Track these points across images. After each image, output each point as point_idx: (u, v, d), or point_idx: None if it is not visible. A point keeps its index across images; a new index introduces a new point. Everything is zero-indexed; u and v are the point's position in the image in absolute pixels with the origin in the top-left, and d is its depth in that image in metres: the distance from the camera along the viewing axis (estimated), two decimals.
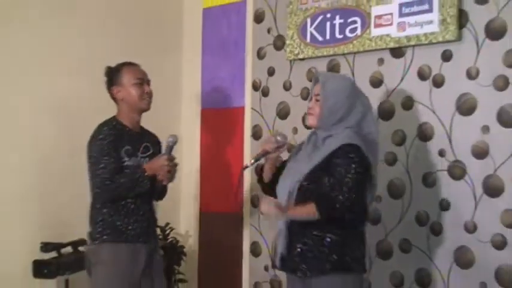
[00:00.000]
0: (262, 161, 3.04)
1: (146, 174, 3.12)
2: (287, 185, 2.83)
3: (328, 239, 2.75)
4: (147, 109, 3.35)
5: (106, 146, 3.17)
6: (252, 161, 3.01)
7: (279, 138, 2.99)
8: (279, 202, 2.77)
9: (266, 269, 4.16)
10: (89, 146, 3.23)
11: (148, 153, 3.27)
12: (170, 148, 3.19)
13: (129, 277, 3.12)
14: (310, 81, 3.74)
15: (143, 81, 3.35)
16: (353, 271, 2.78)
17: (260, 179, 3.11)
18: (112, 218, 3.17)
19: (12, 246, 3.71)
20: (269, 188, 3.04)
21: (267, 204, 2.74)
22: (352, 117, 2.83)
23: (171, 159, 3.17)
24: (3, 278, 3.67)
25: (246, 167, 3.08)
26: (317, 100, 2.85)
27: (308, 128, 3.89)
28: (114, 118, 3.32)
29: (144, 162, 3.21)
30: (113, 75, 3.37)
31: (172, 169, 3.17)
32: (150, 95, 3.34)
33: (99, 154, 3.16)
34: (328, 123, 2.82)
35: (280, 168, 3.02)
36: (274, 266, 3.03)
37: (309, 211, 2.68)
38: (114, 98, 3.35)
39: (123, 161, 3.19)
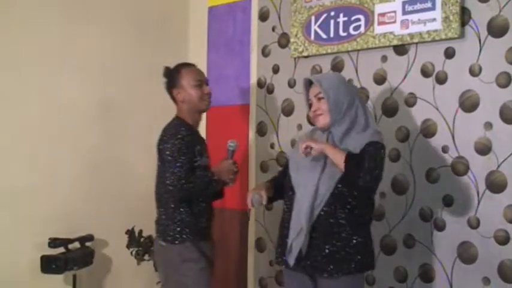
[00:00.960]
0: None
1: (215, 177, 3.30)
2: (314, 182, 2.84)
3: (355, 241, 2.83)
4: (206, 110, 3.49)
5: (184, 146, 3.25)
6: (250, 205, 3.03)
7: (254, 204, 3.02)
8: (314, 139, 2.91)
9: (271, 264, 4.19)
10: (166, 144, 3.28)
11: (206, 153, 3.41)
12: (232, 153, 3.40)
13: (210, 272, 3.36)
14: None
15: (202, 82, 3.46)
16: (369, 269, 2.93)
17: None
18: (190, 218, 3.29)
19: (21, 241, 3.76)
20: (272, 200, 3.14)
21: (309, 142, 2.85)
22: (358, 106, 2.93)
23: (235, 163, 3.38)
24: (12, 273, 3.72)
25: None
26: (319, 99, 2.93)
27: (313, 125, 3.94)
28: (179, 118, 3.42)
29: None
30: (172, 77, 3.47)
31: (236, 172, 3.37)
32: (209, 95, 3.46)
33: (176, 153, 3.22)
34: (339, 115, 2.89)
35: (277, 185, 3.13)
36: (283, 264, 2.97)
37: (340, 159, 2.78)
38: (174, 99, 3.46)
39: (196, 161, 3.29)
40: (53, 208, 3.93)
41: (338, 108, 2.89)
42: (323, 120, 2.93)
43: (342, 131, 2.89)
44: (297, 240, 2.85)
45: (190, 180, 3.21)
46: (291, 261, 2.88)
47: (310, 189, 2.82)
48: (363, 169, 2.73)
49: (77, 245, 3.92)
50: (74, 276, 3.87)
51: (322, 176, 2.85)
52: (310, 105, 3.02)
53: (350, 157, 2.77)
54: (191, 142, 3.29)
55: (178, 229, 3.26)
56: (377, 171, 2.78)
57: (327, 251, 2.81)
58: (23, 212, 3.79)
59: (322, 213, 2.82)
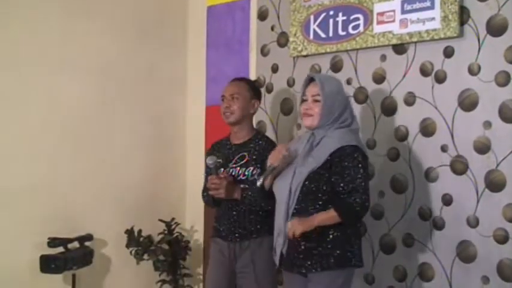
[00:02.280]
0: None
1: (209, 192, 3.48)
2: (287, 184, 2.94)
3: (331, 236, 2.88)
4: (228, 123, 3.58)
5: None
6: (262, 179, 3.03)
7: (285, 153, 3.02)
8: (302, 218, 2.88)
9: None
10: None
11: (242, 162, 3.49)
12: (214, 169, 3.40)
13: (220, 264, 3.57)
14: None
15: (224, 97, 3.59)
16: (352, 265, 2.94)
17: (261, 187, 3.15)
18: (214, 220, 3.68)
19: (20, 241, 3.75)
20: (270, 195, 3.14)
21: (294, 226, 2.86)
22: (347, 115, 3.02)
23: (213, 180, 3.39)
24: (11, 272, 3.72)
25: (260, 184, 3.07)
26: (315, 100, 2.98)
27: None
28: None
29: (234, 171, 3.48)
30: None
31: (216, 187, 3.38)
32: (227, 110, 3.55)
33: None
34: (327, 122, 2.97)
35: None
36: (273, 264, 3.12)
37: (333, 217, 2.84)
38: None
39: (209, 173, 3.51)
40: (53, 208, 3.93)
41: (329, 116, 2.97)
42: (311, 122, 3.00)
43: (323, 134, 2.98)
44: (278, 241, 3.00)
45: (203, 195, 3.66)
46: (276, 260, 3.04)
47: (285, 192, 2.93)
48: (356, 205, 2.83)
49: (76, 244, 3.92)
50: (73, 276, 3.87)
51: (293, 177, 2.95)
52: (302, 101, 3.06)
53: (338, 209, 2.84)
54: (208, 155, 3.58)
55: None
56: (367, 194, 2.87)
57: (302, 247, 2.90)
58: (23, 211, 3.79)
59: (294, 211, 2.92)
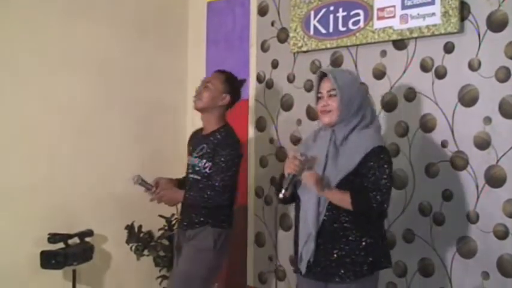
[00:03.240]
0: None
1: None
2: (315, 194, 2.78)
3: (364, 243, 2.77)
4: (195, 109, 3.61)
5: None
6: (284, 191, 2.78)
7: (300, 158, 2.80)
8: (320, 177, 2.77)
9: (270, 259, 4.20)
10: None
11: (201, 153, 3.50)
12: (143, 184, 3.49)
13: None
14: (314, 73, 3.77)
15: (202, 83, 3.64)
16: (383, 267, 2.86)
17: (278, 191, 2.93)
18: None
19: (21, 237, 3.76)
20: (290, 198, 2.96)
21: (310, 176, 2.75)
22: (367, 108, 2.89)
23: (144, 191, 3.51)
24: (12, 268, 3.72)
25: (283, 197, 2.83)
26: (331, 96, 2.84)
27: (312, 119, 3.94)
28: None
29: (199, 161, 3.50)
30: None
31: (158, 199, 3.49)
32: (196, 95, 3.58)
33: None
34: (347, 116, 2.82)
35: None
36: (297, 272, 2.95)
37: (346, 201, 2.72)
38: None
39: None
40: (53, 203, 3.93)
41: (348, 108, 2.82)
42: (330, 118, 2.85)
43: (346, 132, 2.83)
44: (306, 247, 2.84)
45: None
46: (303, 269, 2.87)
47: (314, 195, 2.79)
48: (375, 202, 2.71)
49: (76, 240, 3.92)
50: (74, 272, 3.87)
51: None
52: (318, 99, 2.93)
53: (354, 196, 2.72)
54: (188, 143, 3.74)
55: None
56: (388, 195, 2.76)
57: (335, 255, 2.78)
58: (23, 207, 3.79)
59: (325, 218, 2.79)
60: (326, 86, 2.87)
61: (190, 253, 3.47)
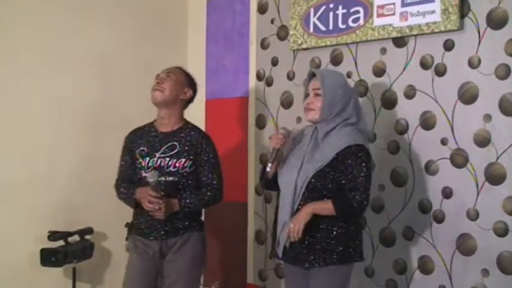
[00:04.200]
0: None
1: (134, 197, 3.30)
2: (293, 179, 2.97)
3: (335, 232, 2.92)
4: (156, 103, 3.34)
5: (122, 149, 3.45)
6: (270, 164, 3.06)
7: (283, 131, 3.09)
8: (295, 217, 2.90)
9: (270, 257, 4.20)
10: None
11: (172, 152, 3.30)
12: (154, 187, 3.15)
13: (141, 258, 3.33)
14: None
15: (158, 76, 3.40)
16: (354, 261, 3.00)
17: (262, 176, 3.21)
18: (133, 215, 3.43)
19: (20, 234, 3.76)
20: (271, 182, 3.16)
21: (294, 228, 2.88)
22: (349, 110, 3.03)
23: (154, 196, 3.14)
24: (12, 266, 3.73)
25: (266, 172, 3.11)
26: (316, 94, 3.01)
27: None
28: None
29: (166, 161, 3.28)
30: None
31: (155, 205, 3.15)
32: (158, 86, 3.33)
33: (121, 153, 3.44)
34: (329, 116, 3.00)
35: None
36: (275, 256, 3.13)
37: (329, 209, 2.88)
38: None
39: (139, 162, 3.34)
40: (53, 201, 3.93)
41: (330, 109, 2.99)
42: (312, 116, 3.04)
43: (327, 130, 3.01)
44: (282, 233, 3.00)
45: (119, 185, 3.45)
46: (279, 253, 3.05)
47: (291, 186, 2.96)
48: (354, 202, 2.87)
49: (76, 238, 3.92)
50: (74, 269, 3.87)
51: (299, 172, 2.96)
52: (306, 96, 3.10)
53: (335, 202, 2.89)
54: (128, 143, 3.45)
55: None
56: (367, 193, 2.90)
57: (306, 242, 2.92)
58: (23, 205, 3.79)
59: (300, 207, 2.94)
60: (314, 84, 3.05)
61: (187, 266, 3.30)
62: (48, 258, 3.71)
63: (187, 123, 3.43)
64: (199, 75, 4.71)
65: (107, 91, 4.29)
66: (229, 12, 4.63)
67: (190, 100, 3.46)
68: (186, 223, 3.30)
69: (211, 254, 4.65)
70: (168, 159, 3.28)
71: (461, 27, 3.35)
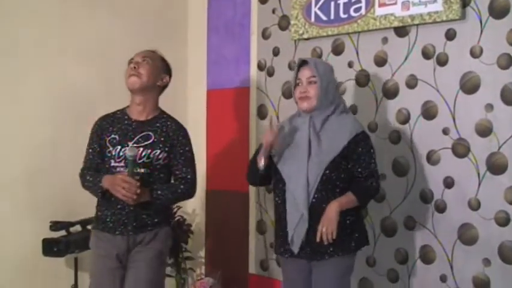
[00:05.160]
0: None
1: (101, 185, 3.04)
2: (303, 173, 2.96)
3: (348, 221, 2.96)
4: (132, 89, 3.14)
5: (90, 136, 3.22)
6: (262, 162, 3.06)
7: (275, 128, 3.08)
8: (324, 219, 2.89)
9: (272, 246, 4.20)
10: None
11: (146, 142, 3.09)
12: (131, 164, 2.97)
13: (106, 262, 3.12)
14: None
15: (132, 61, 3.19)
16: (366, 244, 3.10)
17: (253, 164, 3.19)
18: (97, 208, 3.21)
19: (22, 225, 3.77)
20: (265, 175, 3.15)
21: (327, 231, 2.87)
22: (339, 98, 3.13)
23: (126, 180, 2.93)
24: (14, 256, 3.74)
25: (259, 168, 3.10)
26: (310, 83, 3.03)
27: None
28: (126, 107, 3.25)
29: (139, 151, 3.05)
30: None
31: (129, 189, 2.92)
32: (134, 71, 3.11)
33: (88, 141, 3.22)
34: (325, 103, 3.02)
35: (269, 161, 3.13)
36: (283, 253, 3.05)
37: (353, 201, 2.96)
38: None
39: (108, 151, 3.12)
40: (54, 191, 3.94)
41: (327, 96, 3.02)
42: (309, 104, 3.03)
43: (323, 117, 3.03)
44: (298, 228, 2.96)
45: (85, 174, 3.18)
46: (296, 249, 2.99)
47: (303, 179, 2.94)
48: (372, 189, 3.02)
49: (78, 228, 3.92)
50: (76, 259, 3.88)
51: (309, 165, 2.96)
52: (296, 85, 3.11)
53: (357, 193, 2.97)
54: (97, 133, 3.22)
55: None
56: (378, 177, 3.07)
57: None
58: (24, 195, 3.80)
59: (314, 200, 2.95)
60: (306, 73, 3.06)
61: (153, 260, 3.10)
62: (50, 248, 3.71)
63: (162, 112, 3.24)
64: (200, 65, 4.75)
65: (108, 82, 4.28)
66: (230, 2, 4.61)
67: (166, 86, 3.27)
68: (156, 220, 3.10)
69: (213, 245, 4.68)
70: (141, 149, 3.06)
71: (463, 16, 3.34)
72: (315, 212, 2.93)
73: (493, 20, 3.26)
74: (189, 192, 3.19)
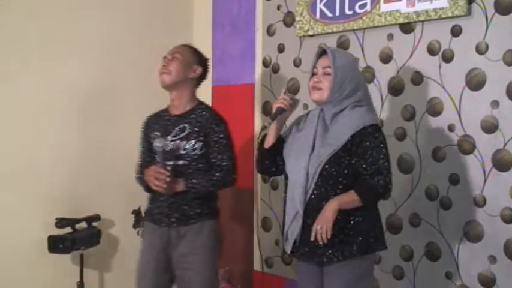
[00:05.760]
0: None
1: (145, 179, 3.23)
2: (303, 166, 2.76)
3: (352, 222, 2.74)
4: (164, 86, 3.32)
5: (140, 136, 3.44)
6: (271, 121, 2.93)
7: (290, 95, 2.96)
8: (320, 218, 2.68)
9: (277, 243, 4.20)
10: None
11: (182, 134, 3.23)
12: (160, 154, 3.15)
13: (150, 253, 3.28)
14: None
15: (164, 58, 3.35)
16: (375, 250, 2.83)
17: (261, 145, 3.03)
18: (148, 201, 3.43)
19: (28, 222, 3.79)
20: (268, 154, 2.98)
21: (321, 229, 2.66)
22: (360, 93, 2.85)
23: (156, 170, 3.11)
24: (20, 253, 3.75)
25: (265, 127, 3.02)
26: (325, 73, 2.82)
27: None
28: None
29: (177, 145, 3.21)
30: None
31: (160, 179, 3.09)
32: (164, 69, 3.29)
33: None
34: (337, 98, 2.81)
35: (277, 141, 2.97)
36: (284, 253, 2.96)
37: (354, 201, 2.70)
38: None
39: (154, 146, 3.25)
40: (60, 188, 3.95)
41: (340, 90, 2.80)
42: (319, 96, 2.84)
43: (335, 112, 2.82)
44: (292, 226, 2.81)
45: (137, 171, 3.39)
46: (288, 248, 2.84)
47: (302, 172, 2.75)
48: (379, 187, 2.70)
49: (83, 225, 3.94)
50: (81, 256, 3.90)
51: (311, 159, 2.77)
52: (312, 75, 2.90)
53: (359, 192, 2.71)
54: (145, 128, 3.45)
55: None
56: (390, 175, 2.74)
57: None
58: (30, 192, 3.81)
59: (313, 196, 2.76)
60: (323, 62, 2.85)
61: (205, 257, 3.22)
62: (56, 245, 3.73)
63: (200, 103, 3.36)
64: None
65: (113, 78, 4.29)
66: None
67: (202, 77, 3.39)
68: (198, 210, 3.20)
69: None
70: (178, 141, 3.20)
71: (468, 12, 3.32)
72: (313, 210, 2.73)
73: (499, 16, 3.24)
74: (226, 180, 3.23)
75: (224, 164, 3.21)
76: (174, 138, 3.21)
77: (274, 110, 2.93)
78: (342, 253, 2.72)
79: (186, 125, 3.23)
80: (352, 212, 2.73)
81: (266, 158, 3.00)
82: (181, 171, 3.18)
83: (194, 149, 3.20)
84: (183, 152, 3.19)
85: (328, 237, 2.64)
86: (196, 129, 3.22)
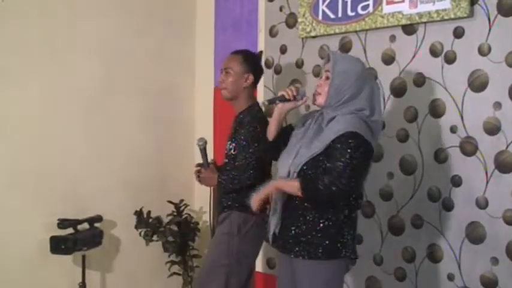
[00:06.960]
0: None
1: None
2: (288, 164, 2.82)
3: (322, 225, 2.76)
4: (225, 99, 3.55)
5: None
6: (266, 102, 3.04)
7: (300, 89, 2.98)
8: (259, 190, 2.89)
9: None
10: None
11: (229, 135, 3.50)
12: (202, 152, 3.47)
13: None
14: (322, 58, 3.75)
15: (222, 71, 3.54)
16: (342, 257, 2.80)
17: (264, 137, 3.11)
18: None
19: (30, 222, 3.79)
20: (270, 146, 3.06)
21: (257, 194, 2.88)
22: (360, 100, 2.80)
23: (199, 165, 3.53)
24: (22, 253, 3.76)
25: (267, 103, 3.06)
26: (327, 78, 2.83)
27: None
28: None
29: (228, 144, 3.49)
30: None
31: (199, 175, 3.51)
32: (221, 85, 3.51)
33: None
34: (335, 103, 2.81)
35: (281, 132, 3.04)
36: (266, 241, 3.02)
37: (293, 186, 2.74)
38: None
39: None
40: (62, 189, 3.96)
41: (337, 96, 2.79)
42: (318, 100, 2.87)
43: (331, 117, 2.81)
44: (272, 218, 2.92)
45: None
46: (270, 239, 2.95)
47: (286, 170, 2.83)
48: (320, 184, 2.66)
49: (85, 225, 3.94)
50: (83, 257, 3.90)
51: (295, 158, 2.81)
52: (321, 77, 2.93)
53: (301, 181, 2.72)
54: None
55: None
56: (339, 178, 2.64)
57: (293, 232, 2.81)
58: (33, 193, 3.82)
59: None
60: (327, 66, 2.87)
61: (216, 239, 3.50)
62: (58, 245, 3.74)
63: (247, 108, 3.49)
64: (207, 63, 4.75)
65: (116, 80, 4.29)
66: (237, 0, 4.61)
67: (256, 82, 3.55)
68: (229, 202, 3.42)
69: None
70: (228, 141, 3.49)
71: (471, 14, 3.32)
72: (289, 206, 2.83)
73: (502, 18, 3.24)
74: (240, 178, 3.34)
75: (237, 163, 3.38)
76: (229, 142, 3.49)
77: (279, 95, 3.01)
78: (308, 252, 2.77)
79: (232, 128, 3.50)
80: (324, 215, 2.76)
81: (270, 148, 3.09)
82: (221, 168, 3.51)
83: (230, 149, 3.44)
84: (226, 152, 3.48)
85: (255, 207, 2.88)
86: (233, 131, 3.48)
